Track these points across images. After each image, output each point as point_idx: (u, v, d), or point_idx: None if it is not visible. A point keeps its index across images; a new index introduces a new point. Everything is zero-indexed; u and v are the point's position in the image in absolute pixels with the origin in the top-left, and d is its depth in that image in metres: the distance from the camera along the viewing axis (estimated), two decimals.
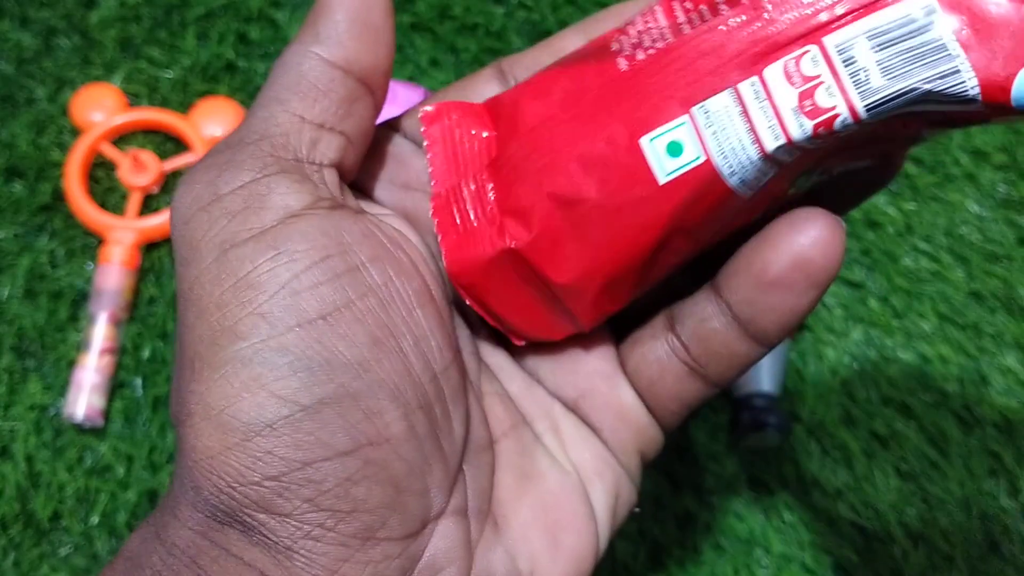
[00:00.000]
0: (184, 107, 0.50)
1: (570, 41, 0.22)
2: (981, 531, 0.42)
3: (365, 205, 0.21)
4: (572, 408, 0.23)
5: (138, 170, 0.47)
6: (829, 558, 0.42)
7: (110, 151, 0.48)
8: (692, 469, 0.43)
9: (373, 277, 0.18)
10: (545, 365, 0.23)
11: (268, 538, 0.17)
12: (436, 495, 0.19)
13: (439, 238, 0.21)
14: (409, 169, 0.22)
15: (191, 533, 0.18)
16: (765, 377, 0.42)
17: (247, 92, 0.51)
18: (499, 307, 0.21)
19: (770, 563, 0.42)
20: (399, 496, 0.18)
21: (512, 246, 0.20)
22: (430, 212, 0.21)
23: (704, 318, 0.21)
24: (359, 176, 0.22)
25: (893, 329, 0.46)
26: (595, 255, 0.19)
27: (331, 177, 0.20)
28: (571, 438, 0.22)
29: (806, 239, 0.19)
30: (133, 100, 0.51)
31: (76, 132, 0.50)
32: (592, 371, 0.22)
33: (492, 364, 0.23)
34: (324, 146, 0.19)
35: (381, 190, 0.22)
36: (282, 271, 0.17)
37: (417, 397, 0.18)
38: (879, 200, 0.48)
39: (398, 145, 0.22)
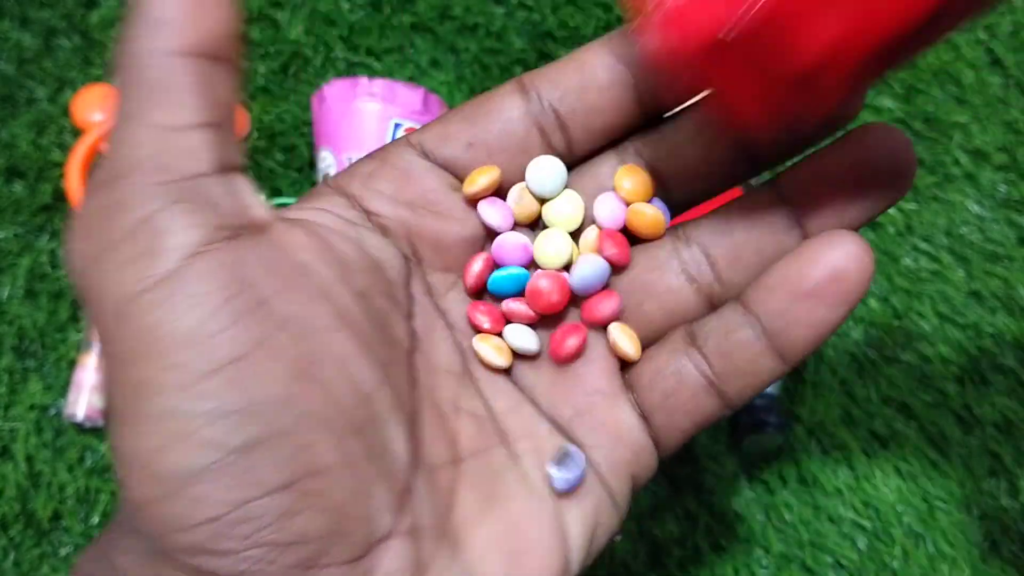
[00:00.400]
0: None
1: (594, 55, 0.22)
2: (981, 531, 0.42)
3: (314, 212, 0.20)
4: (565, 428, 0.22)
5: None
6: (829, 558, 0.42)
7: None
8: (692, 469, 0.43)
9: (283, 309, 0.18)
10: (543, 381, 0.22)
11: (214, 574, 0.17)
12: (380, 517, 0.19)
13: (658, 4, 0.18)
14: (415, 186, 0.22)
15: (140, 566, 0.18)
16: None
17: (247, 92, 0.51)
18: (727, 86, 0.18)
19: (770, 563, 0.42)
20: (341, 523, 0.18)
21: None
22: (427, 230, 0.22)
23: (730, 330, 0.21)
24: (362, 192, 0.21)
25: (893, 329, 0.46)
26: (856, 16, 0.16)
27: (227, 185, 0.18)
28: None
29: (843, 254, 0.19)
30: None
31: (77, 132, 0.50)
32: (592, 389, 0.22)
33: (482, 379, 0.22)
34: (201, 150, 0.18)
35: (382, 205, 0.22)
36: (188, 319, 0.17)
37: (348, 423, 0.18)
38: None
39: (408, 161, 0.22)
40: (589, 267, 0.22)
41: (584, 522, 0.21)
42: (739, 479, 0.43)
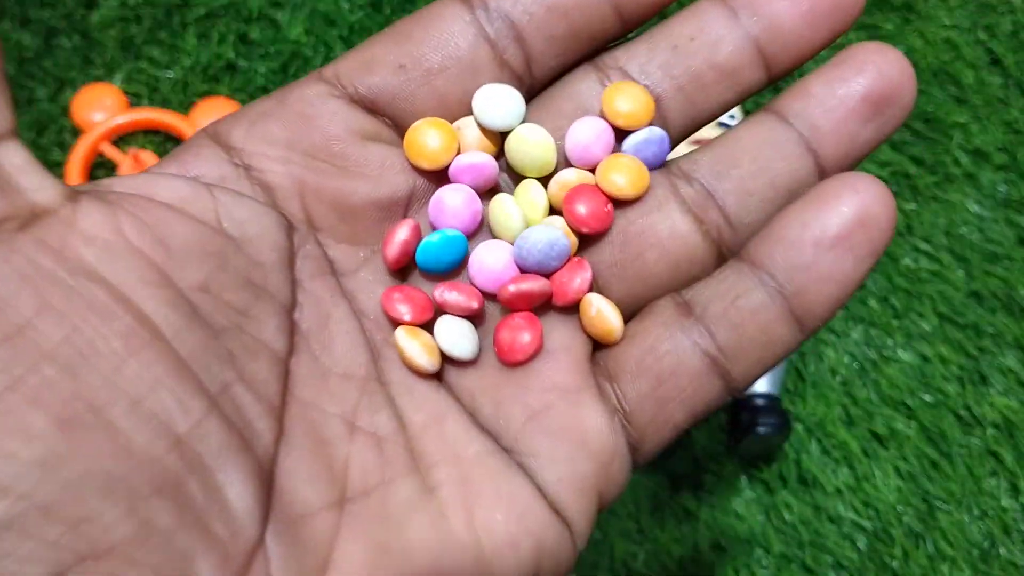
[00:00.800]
0: (185, 107, 0.50)
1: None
2: (981, 531, 0.42)
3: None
4: (511, 441, 0.17)
5: (139, 170, 0.47)
6: (829, 558, 0.42)
7: (111, 151, 0.48)
8: (692, 469, 0.43)
9: (49, 334, 0.13)
10: (488, 381, 0.18)
11: None
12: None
13: None
14: (316, 132, 0.17)
15: None
16: (765, 377, 0.42)
17: (248, 92, 0.51)
18: None
19: (770, 563, 0.42)
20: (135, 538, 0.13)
21: None
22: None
23: (738, 295, 0.17)
24: (246, 140, 0.17)
25: (893, 329, 0.46)
26: None
27: None
28: (483, 493, 0.16)
29: (868, 195, 0.17)
30: (134, 100, 0.51)
31: (77, 132, 0.50)
32: (550, 385, 0.17)
33: (396, 383, 0.17)
34: None
35: (269, 157, 0.17)
36: None
37: (148, 480, 0.13)
38: None
39: (314, 99, 0.17)
40: (539, 243, 0.17)
41: (521, 570, 0.16)
42: (739, 479, 0.43)
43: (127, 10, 0.53)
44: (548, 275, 0.18)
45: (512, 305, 0.17)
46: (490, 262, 0.17)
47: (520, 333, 0.17)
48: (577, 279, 0.17)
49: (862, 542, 0.42)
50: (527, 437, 0.17)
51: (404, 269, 0.18)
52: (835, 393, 0.45)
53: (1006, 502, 0.43)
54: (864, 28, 0.52)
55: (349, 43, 0.52)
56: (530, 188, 0.18)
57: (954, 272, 0.47)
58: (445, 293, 0.17)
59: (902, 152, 0.49)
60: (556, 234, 0.17)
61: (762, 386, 0.42)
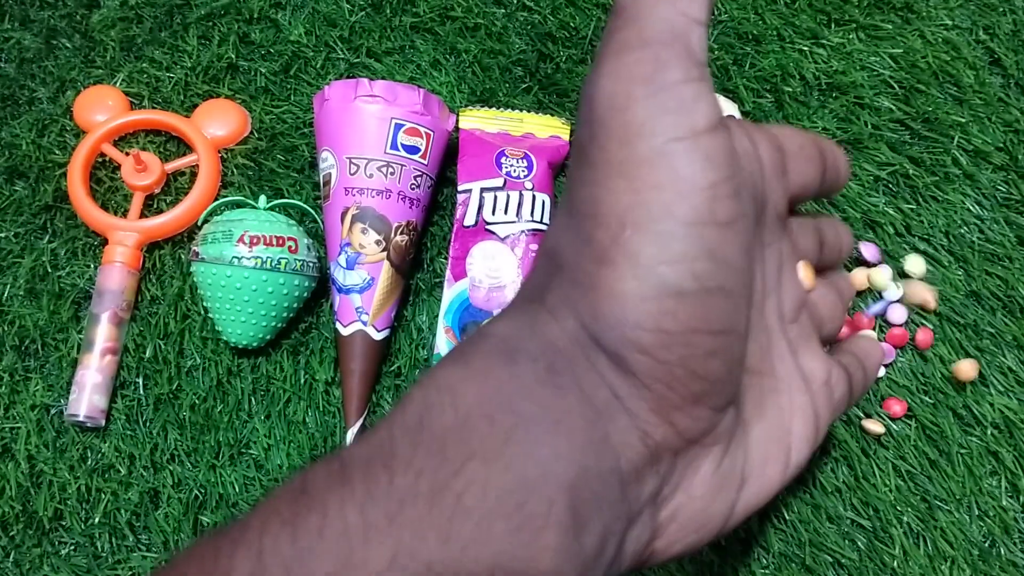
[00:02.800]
0: (186, 108, 0.50)
1: None
2: (981, 531, 0.42)
3: None
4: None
5: (140, 171, 0.47)
6: (829, 558, 0.42)
7: (112, 152, 0.49)
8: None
9: (746, 200, 0.23)
10: None
11: (632, 371, 0.21)
12: (739, 385, 0.24)
13: None
14: None
15: (569, 342, 0.22)
16: None
17: (249, 93, 0.51)
18: None
19: (770, 563, 0.42)
20: (728, 377, 0.22)
21: None
22: None
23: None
24: None
25: None
26: None
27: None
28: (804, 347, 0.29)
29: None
30: (135, 101, 0.51)
31: (78, 132, 0.50)
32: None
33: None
34: None
35: None
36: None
37: (749, 307, 0.23)
38: (879, 200, 0.48)
39: None
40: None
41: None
42: None
43: (128, 10, 0.53)
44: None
45: None
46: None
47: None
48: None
49: (862, 542, 0.42)
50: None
51: None
52: None
53: (1006, 502, 0.43)
54: (864, 28, 0.52)
55: (350, 44, 0.52)
56: None
57: (954, 272, 0.47)
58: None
59: (902, 152, 0.49)
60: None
61: None
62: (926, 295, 0.45)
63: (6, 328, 0.46)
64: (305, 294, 0.44)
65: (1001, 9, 0.54)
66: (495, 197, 0.45)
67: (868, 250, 0.47)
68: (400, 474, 0.19)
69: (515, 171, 0.46)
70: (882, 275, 0.46)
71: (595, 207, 0.21)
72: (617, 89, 0.21)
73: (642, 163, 0.21)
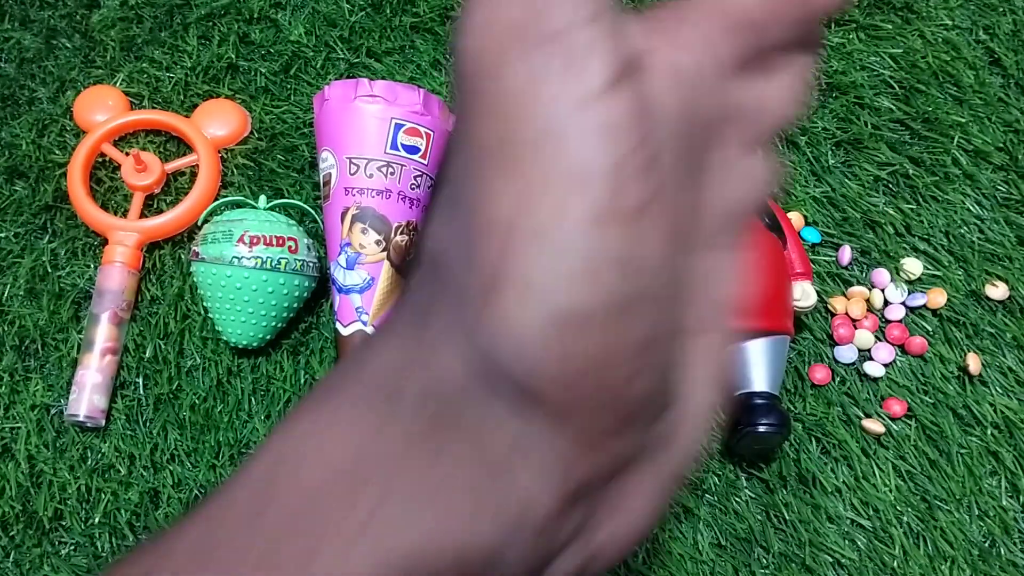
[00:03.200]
0: (186, 108, 0.50)
1: None
2: (981, 531, 0.42)
3: None
4: None
5: (140, 171, 0.47)
6: (829, 558, 0.42)
7: (112, 152, 0.49)
8: (692, 469, 0.43)
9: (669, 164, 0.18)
10: None
11: (544, 404, 0.17)
12: (674, 387, 0.20)
13: None
14: None
15: (462, 378, 0.17)
16: (765, 377, 0.42)
17: (249, 93, 0.51)
18: None
19: (770, 563, 0.42)
20: (661, 387, 0.19)
21: None
22: None
23: None
24: None
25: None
26: None
27: None
28: None
29: None
30: (135, 101, 0.51)
31: (78, 133, 0.50)
32: None
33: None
34: None
35: None
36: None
37: (679, 289, 0.19)
38: (879, 200, 0.48)
39: None
40: None
41: None
42: (739, 479, 0.43)
43: (128, 11, 0.53)
44: None
45: None
46: None
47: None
48: None
49: (862, 542, 0.42)
50: None
51: None
52: (835, 393, 0.45)
53: (1006, 502, 0.43)
54: (864, 28, 0.52)
55: (350, 43, 0.52)
56: None
57: (954, 272, 0.47)
58: None
59: (902, 152, 0.50)
60: None
61: (762, 386, 0.42)
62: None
63: (6, 328, 0.46)
64: (305, 294, 0.44)
65: (1001, 9, 0.54)
66: None
67: (843, 253, 0.47)
68: (233, 571, 0.16)
69: None
70: (914, 265, 0.47)
71: (478, 203, 0.17)
72: (485, 45, 0.16)
73: (525, 146, 0.16)
